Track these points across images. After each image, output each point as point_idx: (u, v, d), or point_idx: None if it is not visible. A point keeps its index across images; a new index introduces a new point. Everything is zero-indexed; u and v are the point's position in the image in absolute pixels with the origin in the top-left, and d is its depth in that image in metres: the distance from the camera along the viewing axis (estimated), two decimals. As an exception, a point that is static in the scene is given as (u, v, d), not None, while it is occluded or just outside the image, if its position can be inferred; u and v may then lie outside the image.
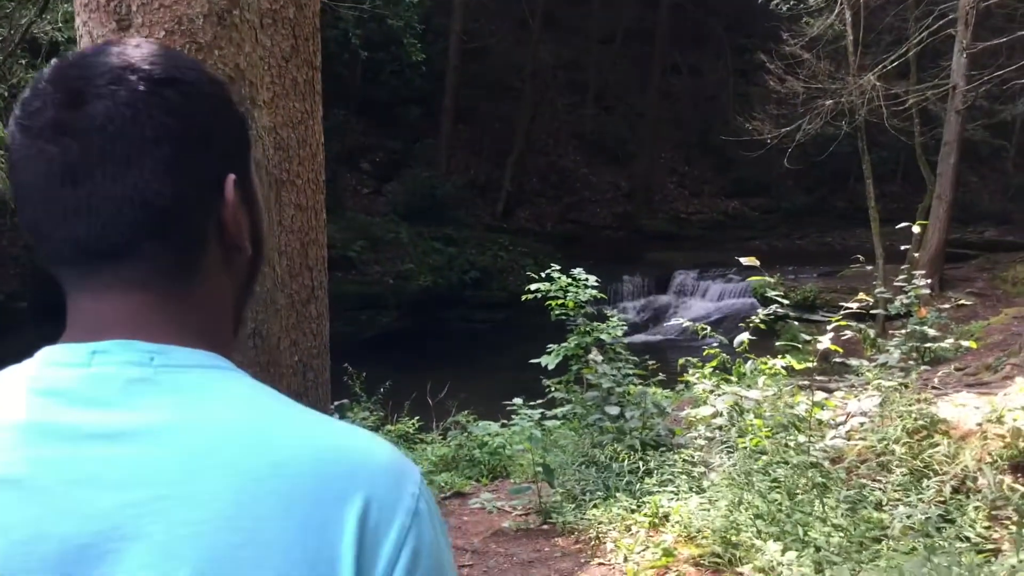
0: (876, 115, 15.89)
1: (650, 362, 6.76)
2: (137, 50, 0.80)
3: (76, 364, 0.75)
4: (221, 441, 0.72)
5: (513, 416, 6.82)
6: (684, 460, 4.79)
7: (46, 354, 0.78)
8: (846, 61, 15.69)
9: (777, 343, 5.26)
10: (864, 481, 4.03)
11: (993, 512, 3.75)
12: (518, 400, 6.30)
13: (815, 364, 4.95)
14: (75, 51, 0.88)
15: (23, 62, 7.67)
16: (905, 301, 6.47)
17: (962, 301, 14.59)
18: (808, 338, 4.93)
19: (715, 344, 5.53)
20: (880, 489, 3.93)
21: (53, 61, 0.82)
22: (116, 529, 0.69)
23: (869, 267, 9.31)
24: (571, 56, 27.28)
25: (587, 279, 6.74)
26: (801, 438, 4.52)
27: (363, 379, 7.00)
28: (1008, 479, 4.79)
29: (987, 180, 27.26)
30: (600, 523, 4.32)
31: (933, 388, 7.10)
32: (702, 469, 4.59)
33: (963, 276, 17.32)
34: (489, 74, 25.05)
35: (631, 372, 6.47)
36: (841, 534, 3.33)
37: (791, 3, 15.96)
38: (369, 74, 21.56)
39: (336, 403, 5.96)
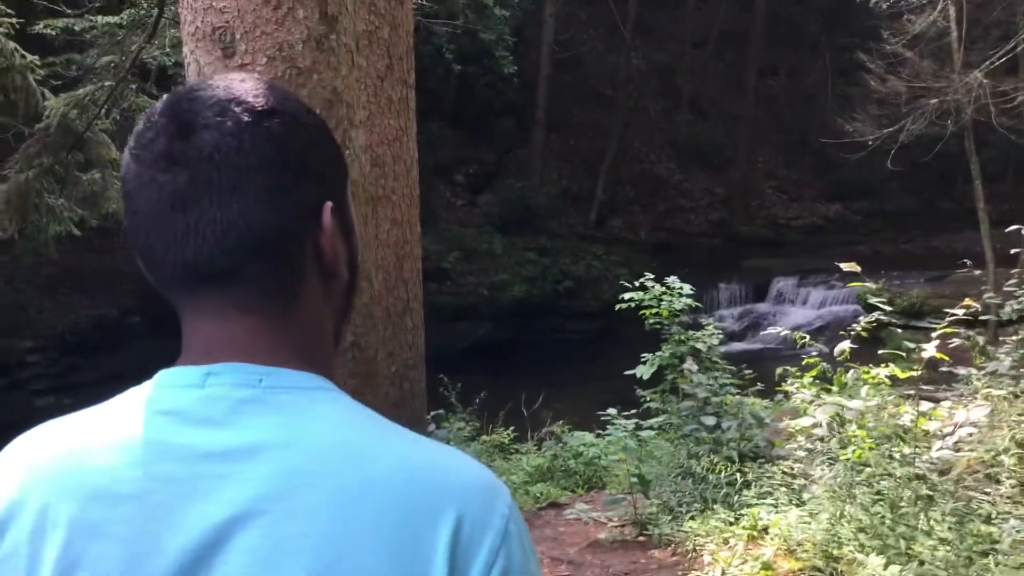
0: (984, 113, 15.29)
1: (747, 372, 6.68)
2: (242, 84, 0.85)
3: (191, 385, 0.81)
4: (319, 459, 0.76)
5: (608, 426, 6.84)
6: (783, 472, 4.70)
7: (163, 376, 0.83)
8: (950, 58, 15.16)
9: (880, 352, 5.08)
10: (972, 494, 3.88)
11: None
12: (612, 410, 6.27)
13: (920, 373, 4.75)
14: (185, 85, 0.95)
15: (133, 87, 8.04)
16: (1016, 306, 6.20)
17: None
18: (913, 346, 4.74)
19: (815, 353, 5.36)
20: (989, 502, 3.78)
21: (165, 96, 0.87)
22: (224, 542, 0.73)
23: (978, 271, 8.91)
24: (664, 62, 27.11)
25: (681, 287, 6.69)
26: (906, 449, 4.38)
27: (458, 389, 7.06)
28: None
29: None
30: (697, 535, 4.27)
31: None
32: (802, 481, 4.50)
33: (1083, 279, 16.52)
34: (581, 83, 25.07)
35: (728, 381, 6.38)
36: (947, 548, 3.22)
37: (892, 0, 15.51)
38: (463, 87, 21.81)
39: (432, 413, 6.04)
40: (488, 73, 20.47)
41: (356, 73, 2.30)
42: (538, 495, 6.52)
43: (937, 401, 6.20)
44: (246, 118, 0.81)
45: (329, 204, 0.86)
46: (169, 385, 0.82)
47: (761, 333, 18.82)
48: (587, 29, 26.13)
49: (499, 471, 6.61)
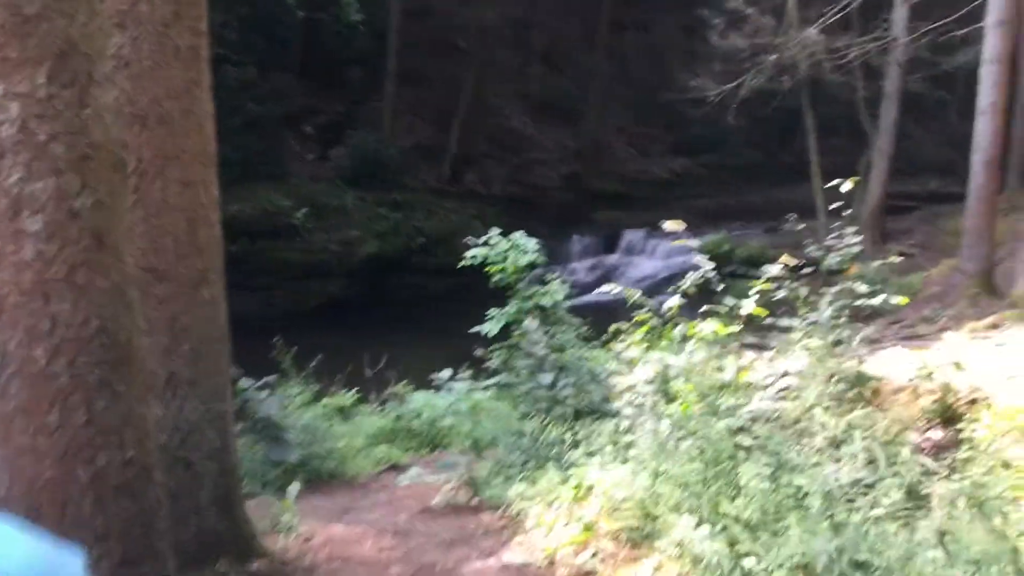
0: (820, 69, 15.88)
1: (585, 327, 6.67)
2: None
3: None
4: None
5: (450, 386, 6.75)
6: (612, 430, 4.70)
7: None
8: (789, 15, 15.63)
9: (703, 309, 5.13)
10: (786, 447, 3.96)
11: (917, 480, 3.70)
12: (445, 372, 6.14)
13: (740, 328, 4.83)
14: None
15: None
16: (837, 259, 6.39)
17: (897, 255, 14.74)
18: (733, 302, 4.80)
19: (646, 310, 5.38)
20: (803, 455, 3.86)
21: None
22: None
23: (810, 223, 9.24)
24: (517, 15, 26.86)
25: (526, 243, 6.58)
26: (729, 401, 4.44)
27: (293, 353, 6.81)
28: (940, 433, 4.79)
29: (931, 132, 27.44)
30: (524, 498, 4.21)
31: (868, 343, 7.19)
32: (629, 438, 4.50)
33: (905, 229, 17.51)
34: (434, 35, 24.59)
35: (572, 335, 6.42)
36: (756, 505, 3.25)
37: (734, -43, 15.84)
38: (310, 36, 21.05)
39: (263, 380, 5.77)
40: (337, 21, 19.83)
41: (98, 21, 2.01)
42: (379, 458, 6.39)
43: (765, 349, 6.48)
44: None
45: None
46: None
47: (596, 291, 19.24)
48: (439, -21, 25.62)
49: (339, 435, 6.42)
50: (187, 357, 3.08)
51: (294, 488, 4.37)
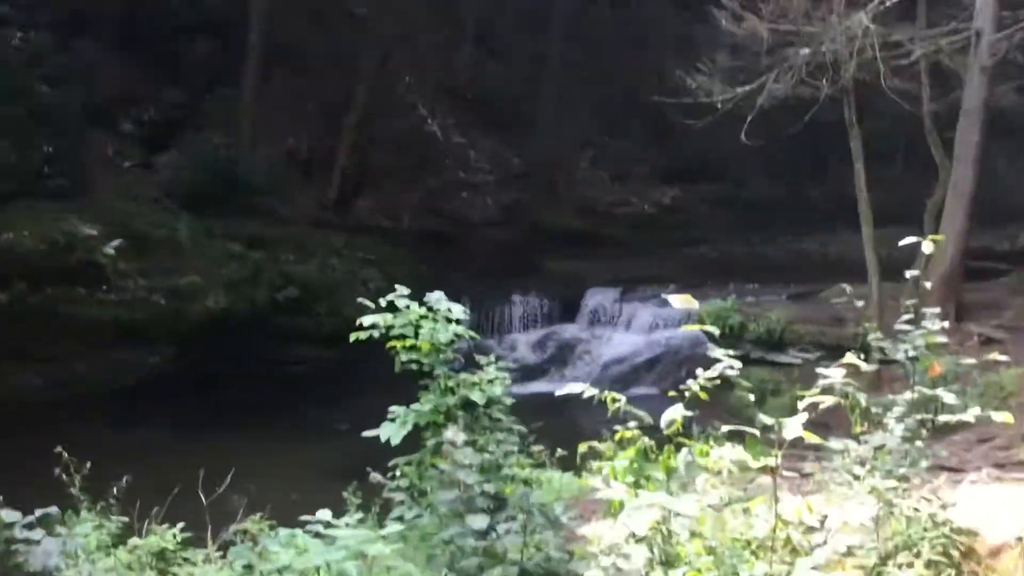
0: (870, 71, 16.07)
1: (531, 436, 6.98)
2: None
3: None
4: None
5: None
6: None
7: None
8: (829, -6, 15.83)
9: (724, 429, 4.99)
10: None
11: None
12: (324, 513, 5.91)
13: (778, 457, 4.71)
14: None
15: None
16: (910, 350, 6.38)
17: (980, 339, 14.88)
18: (771, 422, 4.67)
19: (633, 425, 5.36)
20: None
21: None
22: None
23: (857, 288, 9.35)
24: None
25: (450, 308, 6.70)
26: (759, 572, 4.28)
27: (85, 471, 6.54)
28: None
29: (1021, 165, 28.20)
30: None
31: (946, 471, 7.11)
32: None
33: (989, 301, 17.67)
34: (318, -2, 24.66)
35: (514, 450, 6.44)
36: None
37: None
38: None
39: (38, 513, 5.47)
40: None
41: None
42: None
43: (806, 477, 6.36)
44: None
45: None
46: None
47: (571, 367, 18.98)
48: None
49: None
50: None
51: None
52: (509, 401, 6.83)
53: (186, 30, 22.26)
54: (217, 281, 18.91)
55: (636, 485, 5.20)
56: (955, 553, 5.17)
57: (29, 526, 5.30)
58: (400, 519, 6.38)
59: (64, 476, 6.56)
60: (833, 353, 8.24)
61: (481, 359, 7.10)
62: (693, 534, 4.60)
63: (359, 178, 23.84)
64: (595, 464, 5.62)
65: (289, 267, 19.92)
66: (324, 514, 6.00)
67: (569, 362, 20.11)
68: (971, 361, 8.15)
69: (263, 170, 21.42)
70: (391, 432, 6.48)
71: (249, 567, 6.79)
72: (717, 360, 5.17)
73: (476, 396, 6.61)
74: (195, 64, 22.67)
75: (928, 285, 10.18)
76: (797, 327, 17.08)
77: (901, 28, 16.26)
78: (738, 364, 5.20)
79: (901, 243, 6.43)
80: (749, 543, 4.74)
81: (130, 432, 15.20)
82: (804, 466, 6.61)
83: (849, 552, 4.80)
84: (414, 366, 6.55)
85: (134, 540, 6.90)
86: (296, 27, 23.61)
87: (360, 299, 6.72)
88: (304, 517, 6.06)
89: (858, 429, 6.10)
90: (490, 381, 6.78)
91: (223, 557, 7.00)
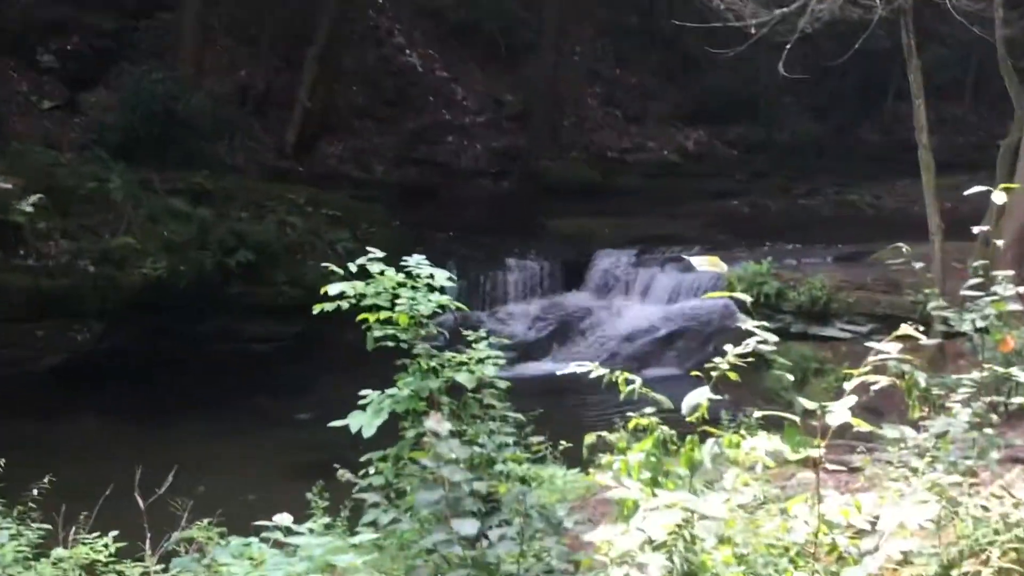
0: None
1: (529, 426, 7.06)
2: None
3: None
4: None
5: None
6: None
7: None
8: None
9: (757, 415, 4.97)
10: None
11: None
12: (283, 518, 5.86)
13: (822, 448, 4.74)
14: None
15: None
16: (979, 320, 6.44)
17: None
18: (813, 406, 4.62)
19: (650, 412, 5.26)
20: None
21: None
22: None
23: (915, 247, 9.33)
24: None
25: (432, 274, 6.66)
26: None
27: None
28: None
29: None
30: None
31: (1020, 463, 7.13)
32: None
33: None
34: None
35: (509, 442, 6.63)
36: None
37: None
38: None
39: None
40: None
41: None
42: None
43: (854, 471, 6.41)
44: None
45: None
46: None
47: (575, 344, 18.83)
48: None
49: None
50: None
51: None
52: (503, 384, 6.87)
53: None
54: (155, 243, 18.91)
55: (653, 482, 5.12)
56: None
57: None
58: (374, 524, 6.32)
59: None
60: (887, 325, 8.25)
61: (470, 335, 7.07)
62: (721, 540, 4.62)
63: (323, 119, 23.63)
64: (605, 458, 5.50)
65: (241, 226, 19.84)
66: (284, 519, 6.07)
67: (574, 338, 20.16)
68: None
69: (209, 110, 21.29)
70: (363, 422, 6.38)
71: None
72: (750, 334, 5.10)
73: (464, 378, 6.59)
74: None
75: (1000, 244, 10.29)
76: (844, 295, 17.03)
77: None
78: (774, 339, 5.13)
79: (967, 192, 6.35)
80: (787, 550, 4.73)
81: (54, 422, 15.53)
82: (852, 459, 6.57)
83: (906, 560, 4.79)
84: (390, 343, 6.47)
85: (58, 551, 6.91)
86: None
87: (326, 264, 6.69)
88: (260, 523, 6.17)
89: (916, 414, 6.24)
90: (480, 361, 6.75)
91: (164, 570, 6.99)
